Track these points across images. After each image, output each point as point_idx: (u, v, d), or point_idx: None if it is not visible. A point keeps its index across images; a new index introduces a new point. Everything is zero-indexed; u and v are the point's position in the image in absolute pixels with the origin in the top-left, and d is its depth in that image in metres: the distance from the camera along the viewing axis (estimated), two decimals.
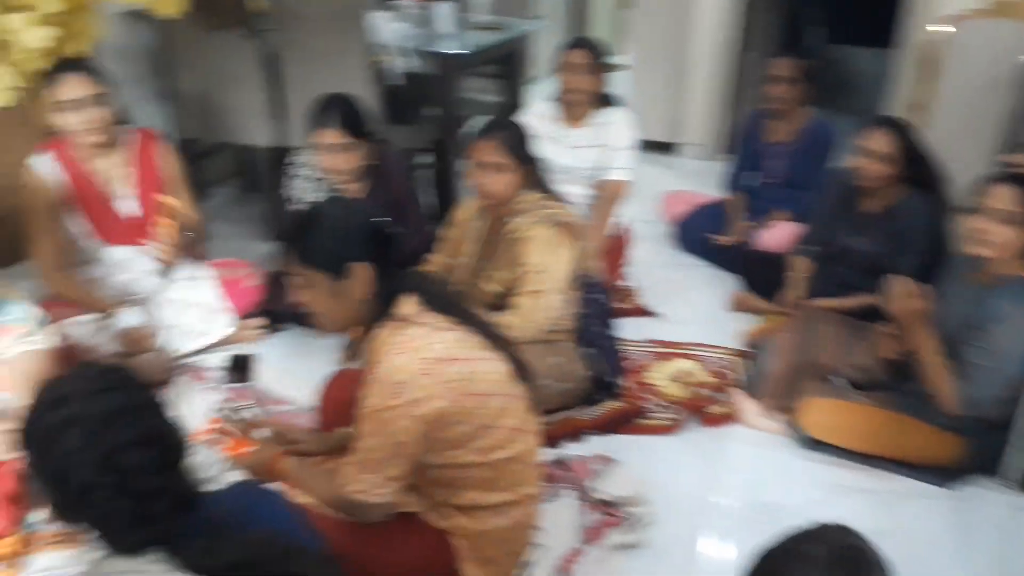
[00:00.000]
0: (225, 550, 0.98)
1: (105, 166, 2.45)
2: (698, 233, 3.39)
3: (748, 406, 2.38)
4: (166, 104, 3.46)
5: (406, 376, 1.46)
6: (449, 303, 1.61)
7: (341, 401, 2.06)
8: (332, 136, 2.44)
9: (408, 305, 1.55)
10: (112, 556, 0.99)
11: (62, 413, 1.00)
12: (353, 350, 2.45)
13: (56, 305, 2.32)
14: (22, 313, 1.95)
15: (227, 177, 3.95)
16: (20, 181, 2.37)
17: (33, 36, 2.32)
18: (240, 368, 2.48)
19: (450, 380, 1.49)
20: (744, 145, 3.42)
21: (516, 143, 2.19)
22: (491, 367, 1.56)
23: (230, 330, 2.57)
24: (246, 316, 2.63)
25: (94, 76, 2.29)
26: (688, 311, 2.98)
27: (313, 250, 1.51)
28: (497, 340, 1.61)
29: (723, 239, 3.23)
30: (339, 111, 2.45)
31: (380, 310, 1.55)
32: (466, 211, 2.42)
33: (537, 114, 3.00)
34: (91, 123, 2.28)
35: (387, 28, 2.85)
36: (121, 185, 2.49)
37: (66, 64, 2.30)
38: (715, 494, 2.12)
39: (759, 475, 2.19)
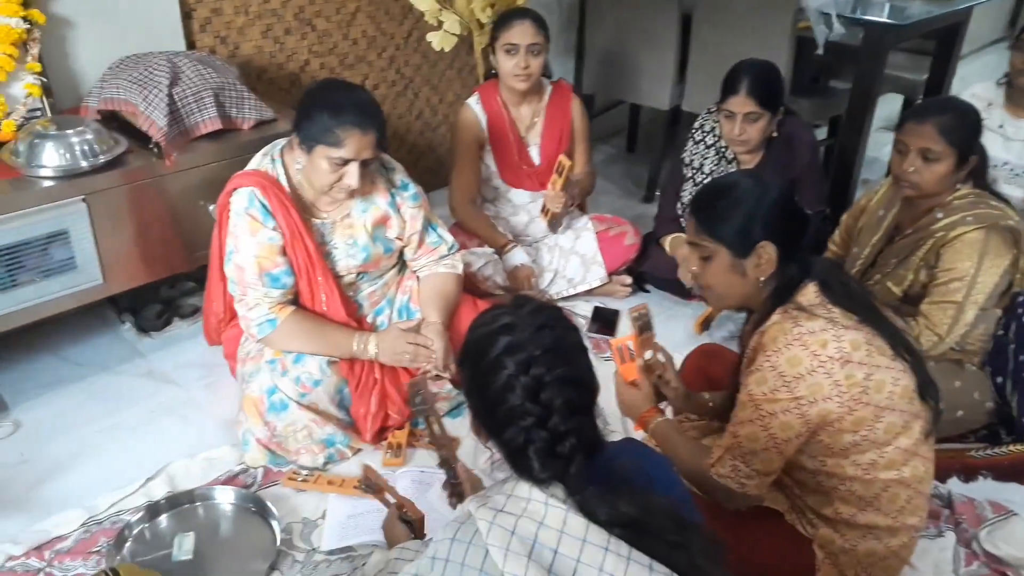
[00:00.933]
0: (621, 503, 0.99)
1: (523, 113, 2.63)
2: None
3: None
4: (572, 58, 3.64)
5: (799, 370, 1.36)
6: (855, 298, 1.45)
7: (702, 374, 2.02)
8: (743, 104, 2.34)
9: (809, 294, 1.43)
10: (517, 481, 1.04)
11: (509, 339, 1.07)
12: (706, 320, 2.42)
13: (459, 234, 2.57)
14: (442, 236, 2.17)
15: (613, 135, 4.06)
16: (452, 117, 2.65)
17: None
18: (604, 320, 2.57)
19: (846, 383, 1.35)
20: None
21: (960, 129, 1.90)
22: (895, 377, 1.39)
23: (601, 283, 2.64)
24: (616, 272, 2.68)
25: (540, 27, 2.45)
26: None
27: (721, 221, 1.45)
28: (906, 349, 1.43)
29: None
30: (754, 78, 2.33)
31: (779, 294, 1.45)
32: (875, 197, 2.18)
33: (978, 97, 2.59)
34: (527, 69, 2.45)
35: None
36: (532, 133, 2.66)
37: (519, 11, 2.49)
38: None
39: None
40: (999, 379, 2.03)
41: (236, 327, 2.14)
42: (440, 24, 2.92)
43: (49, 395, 2.19)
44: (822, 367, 1.35)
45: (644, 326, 1.72)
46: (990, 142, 2.46)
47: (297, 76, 2.83)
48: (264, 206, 1.91)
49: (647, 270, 2.71)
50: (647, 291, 2.75)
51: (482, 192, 2.72)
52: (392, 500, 1.52)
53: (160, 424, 2.10)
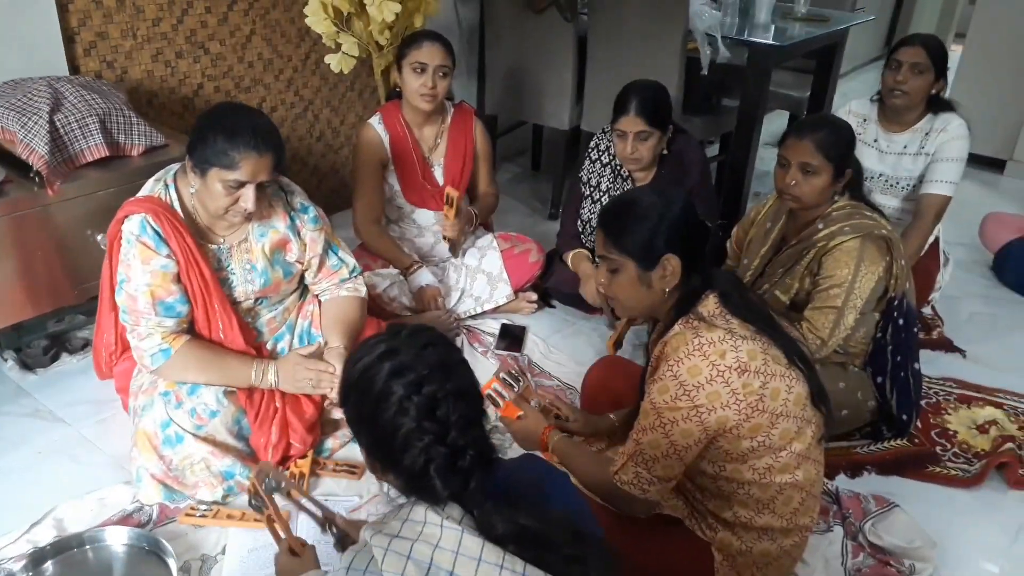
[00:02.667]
0: (518, 517, 1.00)
1: (426, 134, 2.65)
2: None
3: None
4: (474, 80, 3.69)
5: (699, 379, 1.41)
6: (753, 309, 1.52)
7: (603, 387, 2.08)
8: (633, 123, 2.42)
9: (710, 305, 1.49)
10: (415, 504, 1.04)
11: (393, 363, 1.07)
12: (619, 339, 2.47)
13: (363, 255, 2.56)
14: (343, 259, 2.15)
15: (518, 154, 4.12)
16: (353, 139, 2.63)
17: (385, 10, 2.57)
18: (512, 338, 2.60)
19: (743, 392, 1.41)
20: None
21: (836, 145, 2.02)
22: (788, 385, 1.46)
23: (507, 300, 2.67)
24: (522, 289, 2.72)
25: (448, 50, 2.47)
26: (1003, 353, 2.62)
27: (627, 235, 1.50)
28: (800, 358, 1.50)
29: None
30: (644, 98, 2.42)
31: (681, 305, 1.51)
32: (763, 210, 2.28)
33: (854, 114, 2.75)
34: (434, 90, 2.46)
35: (703, 15, 2.75)
36: (435, 154, 2.67)
37: (428, 33, 2.50)
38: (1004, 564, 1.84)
39: None
40: (879, 379, 2.15)
41: (129, 360, 2.07)
42: (338, 46, 2.91)
43: None
44: (720, 376, 1.40)
45: (515, 379, 1.77)
46: (865, 155, 2.63)
47: (191, 100, 2.77)
48: (157, 233, 1.86)
49: (552, 286, 2.76)
50: (552, 306, 2.80)
51: (386, 213, 2.71)
52: (283, 535, 1.48)
53: (47, 465, 2.00)
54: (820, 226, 2.05)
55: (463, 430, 1.06)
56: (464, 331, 2.62)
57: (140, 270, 1.85)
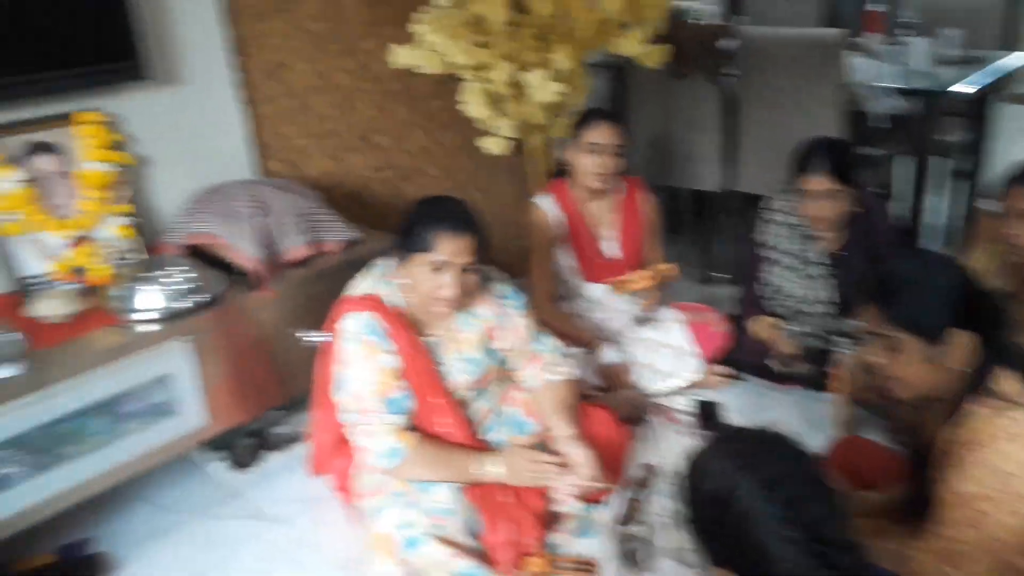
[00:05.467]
0: None
1: (597, 209, 2.62)
2: None
3: None
4: None
5: (1010, 468, 1.29)
6: None
7: (852, 471, 1.93)
8: (820, 182, 2.35)
9: (1009, 382, 1.37)
10: None
11: (756, 478, 1.01)
12: (849, 417, 2.34)
13: None
14: (547, 342, 2.11)
15: None
16: (503, 218, 2.62)
17: (546, 91, 2.58)
18: (708, 415, 2.49)
19: None
20: None
21: None
22: None
23: (698, 375, 2.58)
24: (712, 362, 2.63)
25: (621, 128, 2.46)
26: None
27: (907, 309, 1.40)
28: None
29: None
30: (831, 154, 2.35)
31: (972, 383, 1.40)
32: (980, 265, 2.15)
33: None
34: (606, 168, 2.45)
35: (860, 67, 2.69)
36: (607, 228, 2.64)
37: (600, 112, 2.50)
38: None
39: None
40: None
41: (346, 456, 2.05)
42: (494, 130, 2.94)
43: (151, 548, 2.05)
44: None
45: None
46: None
47: (359, 193, 2.82)
48: (379, 330, 1.85)
49: (741, 358, 2.65)
50: (740, 379, 2.68)
51: (558, 289, 2.68)
52: None
53: (274, 570, 1.97)
54: None
55: (833, 525, 0.99)
56: (655, 409, 2.53)
57: (364, 367, 1.84)
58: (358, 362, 1.85)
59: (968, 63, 3.15)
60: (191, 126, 2.29)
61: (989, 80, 3.05)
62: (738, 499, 1.01)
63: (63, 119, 1.99)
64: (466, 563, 1.81)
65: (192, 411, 2.01)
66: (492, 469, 1.89)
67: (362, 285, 1.95)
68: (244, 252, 2.05)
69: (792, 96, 2.98)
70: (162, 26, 2.16)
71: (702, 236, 3.48)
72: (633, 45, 2.58)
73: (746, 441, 1.07)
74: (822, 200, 2.37)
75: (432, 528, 1.80)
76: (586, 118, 2.50)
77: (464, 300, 1.90)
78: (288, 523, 2.12)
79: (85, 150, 2.00)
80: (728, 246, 3.44)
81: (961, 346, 1.38)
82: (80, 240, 2.00)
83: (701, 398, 2.56)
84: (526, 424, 2.06)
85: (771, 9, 3.91)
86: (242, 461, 2.34)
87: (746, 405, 2.56)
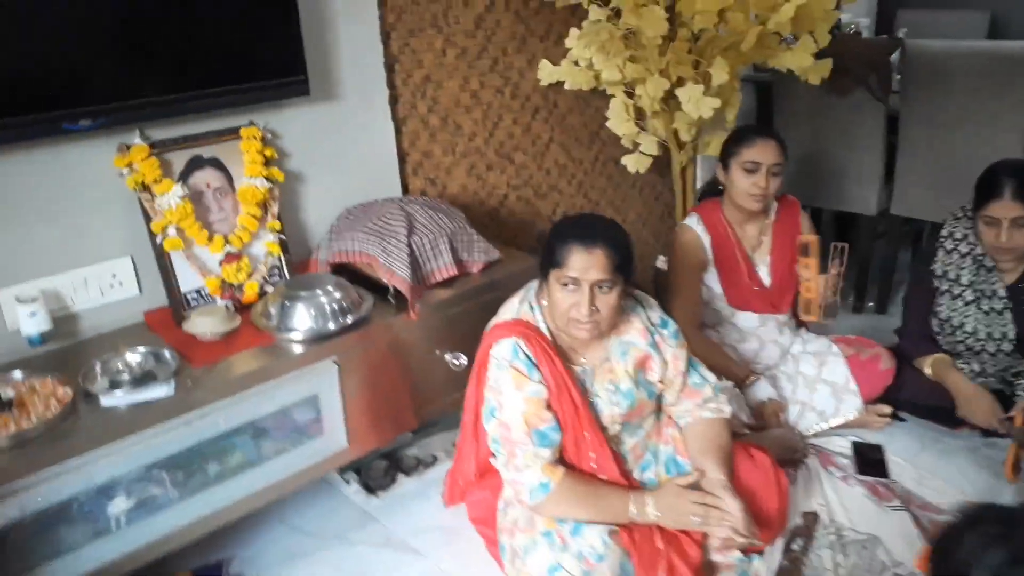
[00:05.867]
0: None
1: (749, 232, 2.46)
2: None
3: None
4: None
5: None
6: None
7: None
8: (1009, 208, 2.12)
9: None
10: None
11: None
12: (1017, 463, 2.10)
13: None
14: (705, 377, 1.97)
15: None
16: (633, 236, 2.49)
17: (703, 106, 2.44)
18: (871, 459, 2.29)
19: None
20: None
21: None
22: None
23: (856, 414, 2.37)
24: (873, 401, 2.41)
25: (781, 146, 2.30)
26: None
27: None
28: None
29: None
30: (1018, 180, 2.11)
31: None
32: None
33: None
34: (765, 190, 2.29)
35: None
36: (759, 252, 2.48)
37: (759, 129, 2.35)
38: None
39: None
40: None
41: (486, 487, 1.97)
42: (636, 146, 2.83)
43: (284, 571, 2.02)
44: None
45: None
46: None
47: (496, 211, 2.75)
48: (528, 357, 1.76)
49: (905, 397, 2.42)
50: (902, 419, 2.45)
51: (702, 317, 2.52)
52: None
53: None
54: None
55: None
56: (811, 451, 2.34)
57: (514, 396, 1.75)
58: (508, 391, 1.76)
59: None
60: (345, 142, 2.27)
61: None
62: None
63: (226, 134, 1.99)
64: None
65: (335, 433, 1.98)
66: (648, 509, 1.76)
67: (511, 308, 1.87)
68: (398, 273, 2.00)
69: (965, 115, 2.73)
70: (324, 40, 2.15)
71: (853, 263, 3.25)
72: (802, 58, 2.40)
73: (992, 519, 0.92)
74: (1007, 228, 2.14)
75: (581, 573, 1.69)
76: (744, 134, 2.34)
77: (608, 324, 1.78)
78: (422, 555, 2.04)
79: (246, 165, 2.00)
80: (878, 274, 3.21)
81: None
82: (233, 256, 2.00)
83: (860, 440, 2.35)
84: (683, 465, 1.92)
85: (932, 22, 3.62)
86: (376, 484, 2.29)
87: (907, 448, 2.34)
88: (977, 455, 2.28)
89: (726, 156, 2.37)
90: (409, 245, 2.05)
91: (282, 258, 2.10)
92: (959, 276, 2.33)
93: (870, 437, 2.38)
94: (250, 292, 2.03)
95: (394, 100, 2.36)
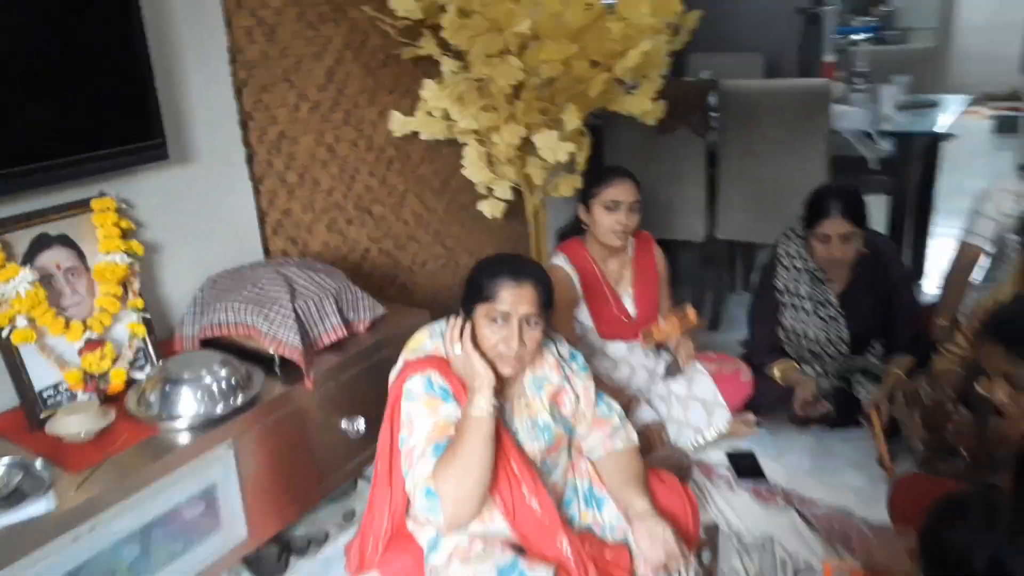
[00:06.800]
0: None
1: (611, 267, 2.58)
2: None
3: None
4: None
5: None
6: None
7: (920, 509, 1.93)
8: (838, 225, 2.40)
9: None
10: None
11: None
12: (886, 452, 2.36)
13: None
14: (610, 405, 2.02)
15: None
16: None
17: (558, 151, 2.54)
18: (747, 466, 2.46)
19: None
20: None
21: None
22: None
23: (726, 425, 2.55)
24: (738, 411, 2.60)
25: (637, 184, 2.43)
26: None
27: None
28: None
29: None
30: (846, 200, 2.41)
31: None
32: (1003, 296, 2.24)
33: (1008, 192, 2.77)
34: (626, 225, 2.41)
35: (844, 114, 2.80)
36: (622, 284, 2.60)
37: (617, 170, 2.47)
38: None
39: None
40: None
41: (405, 553, 1.87)
42: (490, 192, 2.88)
43: None
44: None
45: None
46: None
47: (359, 265, 2.67)
48: (444, 389, 1.72)
49: (760, 403, 2.64)
50: (758, 424, 2.67)
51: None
52: None
53: None
54: None
55: None
56: (697, 466, 2.47)
57: (425, 421, 1.69)
58: (418, 417, 1.69)
59: (922, 106, 3.35)
60: (203, 206, 2.11)
61: (950, 120, 3.24)
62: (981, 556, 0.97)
63: (75, 207, 1.77)
64: None
65: (234, 524, 1.80)
66: (481, 401, 1.67)
67: (421, 347, 1.82)
68: (287, 342, 1.87)
69: (774, 146, 3.06)
70: (175, 98, 1.99)
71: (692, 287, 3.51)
72: (643, 102, 2.58)
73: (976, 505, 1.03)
74: (837, 243, 2.42)
75: None
76: (604, 175, 2.46)
77: (531, 359, 1.79)
78: None
79: (101, 241, 1.79)
80: (712, 294, 3.49)
81: None
82: (94, 343, 1.77)
83: (733, 451, 2.53)
84: (600, 497, 1.95)
85: (718, 64, 4.04)
86: (268, 572, 2.11)
87: (772, 450, 2.55)
88: (832, 448, 2.53)
89: (587, 196, 2.48)
90: (295, 310, 1.94)
91: (147, 339, 1.89)
92: (798, 289, 2.60)
93: (739, 445, 2.56)
94: (116, 381, 1.80)
95: (250, 159, 2.22)
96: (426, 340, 1.83)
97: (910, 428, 2.33)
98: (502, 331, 1.71)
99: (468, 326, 1.75)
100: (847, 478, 2.39)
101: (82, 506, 1.48)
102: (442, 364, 1.76)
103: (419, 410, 1.70)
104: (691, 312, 2.45)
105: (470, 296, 1.75)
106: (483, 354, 1.73)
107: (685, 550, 1.82)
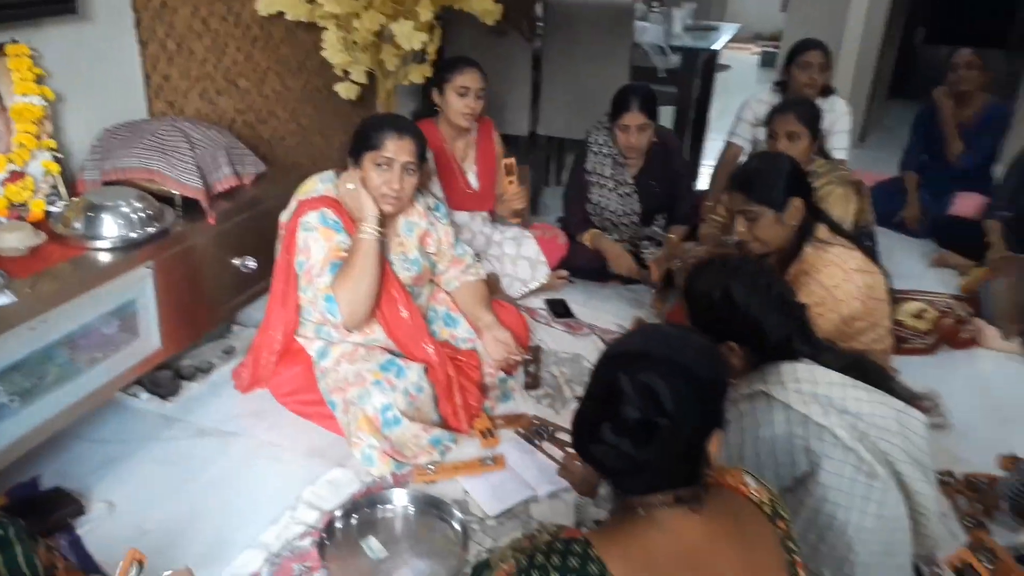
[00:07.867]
0: (841, 358, 1.56)
1: (459, 146, 3.04)
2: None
3: (989, 332, 2.92)
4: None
5: (836, 282, 2.02)
6: (840, 230, 2.16)
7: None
8: (636, 118, 3.01)
9: (823, 231, 2.11)
10: (775, 365, 1.55)
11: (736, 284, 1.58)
12: (662, 296, 3.05)
13: None
14: (465, 248, 2.53)
15: None
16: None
17: (413, 39, 2.92)
18: (562, 309, 3.08)
19: (864, 287, 2.04)
20: (920, 127, 3.97)
21: (811, 116, 2.74)
22: (881, 279, 2.12)
23: (546, 279, 3.14)
24: (555, 268, 3.20)
25: (483, 72, 2.87)
26: (897, 268, 3.52)
27: (764, 190, 2.07)
28: (875, 259, 2.17)
29: (908, 214, 3.81)
30: (643, 96, 3.02)
31: (802, 235, 2.11)
32: None
33: (763, 102, 3.53)
34: (474, 109, 2.86)
35: (647, 29, 3.41)
36: (467, 162, 3.07)
37: (466, 59, 2.88)
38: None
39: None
40: None
41: (296, 364, 2.29)
42: (346, 75, 3.20)
43: (116, 475, 2.10)
44: (849, 278, 2.02)
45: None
46: None
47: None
48: (336, 222, 2.15)
49: (573, 263, 3.26)
50: (572, 281, 3.30)
51: None
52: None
53: (255, 469, 2.15)
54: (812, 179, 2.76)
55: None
56: (523, 309, 3.05)
57: (320, 246, 2.14)
58: (315, 245, 2.14)
59: (704, 29, 4.06)
60: (98, 63, 2.29)
61: (726, 41, 3.97)
62: (733, 290, 1.56)
63: None
64: (434, 432, 2.20)
65: (150, 336, 2.11)
66: (368, 228, 2.13)
67: (313, 189, 2.21)
68: (190, 184, 2.17)
69: (588, 54, 3.62)
70: None
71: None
72: (485, 3, 3.01)
73: (728, 264, 1.62)
74: (636, 132, 3.03)
75: (407, 405, 2.15)
76: (455, 64, 2.89)
77: (408, 202, 2.24)
78: (241, 434, 2.29)
79: (16, 83, 1.97)
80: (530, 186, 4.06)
81: (798, 209, 2.08)
82: (17, 175, 1.98)
83: (550, 297, 3.14)
84: (456, 319, 2.47)
85: None
86: (166, 391, 2.43)
87: (580, 298, 3.19)
88: (623, 297, 3.22)
89: (440, 82, 2.90)
90: (194, 158, 2.22)
91: (60, 177, 2.11)
92: (603, 171, 3.21)
93: (555, 295, 3.18)
94: (36, 210, 2.03)
95: (137, 23, 2.42)
96: (318, 184, 2.22)
97: (679, 278, 3.04)
98: (386, 175, 2.14)
99: (358, 171, 2.17)
100: (632, 312, 3.07)
101: (34, 303, 1.76)
102: (334, 203, 2.17)
103: (315, 238, 2.12)
104: (508, 161, 2.99)
105: (359, 146, 2.15)
106: (369, 194, 2.16)
107: (520, 351, 2.40)
